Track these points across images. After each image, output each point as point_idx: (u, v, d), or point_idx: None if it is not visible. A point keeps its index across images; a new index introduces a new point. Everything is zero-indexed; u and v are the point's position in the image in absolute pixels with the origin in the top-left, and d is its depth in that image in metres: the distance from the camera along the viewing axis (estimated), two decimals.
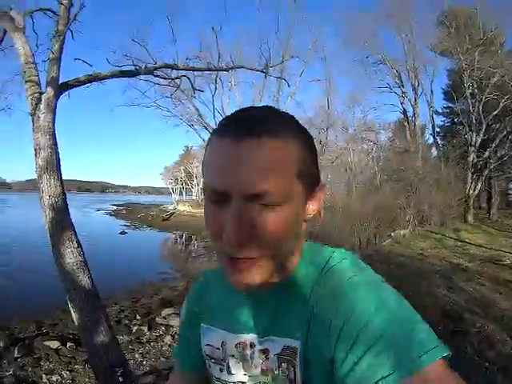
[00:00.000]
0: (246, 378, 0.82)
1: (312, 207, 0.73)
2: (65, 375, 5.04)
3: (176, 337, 6.59)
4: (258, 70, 8.96)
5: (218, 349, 0.86)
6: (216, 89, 11.73)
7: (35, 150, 3.67)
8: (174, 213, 43.61)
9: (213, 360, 0.87)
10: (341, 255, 0.77)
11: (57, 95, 3.82)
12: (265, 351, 0.77)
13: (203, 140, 12.57)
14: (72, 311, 3.56)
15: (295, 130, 0.69)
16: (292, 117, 0.73)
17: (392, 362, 0.55)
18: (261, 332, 0.78)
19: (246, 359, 0.81)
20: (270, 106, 0.74)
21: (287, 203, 0.64)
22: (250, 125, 0.65)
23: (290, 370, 0.73)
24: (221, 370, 0.86)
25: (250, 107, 0.74)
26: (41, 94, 3.74)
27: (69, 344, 5.99)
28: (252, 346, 0.80)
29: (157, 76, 5.54)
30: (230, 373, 0.84)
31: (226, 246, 0.65)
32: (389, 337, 0.58)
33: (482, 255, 13.09)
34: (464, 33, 22.39)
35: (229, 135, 0.65)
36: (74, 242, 3.59)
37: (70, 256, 3.53)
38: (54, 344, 5.99)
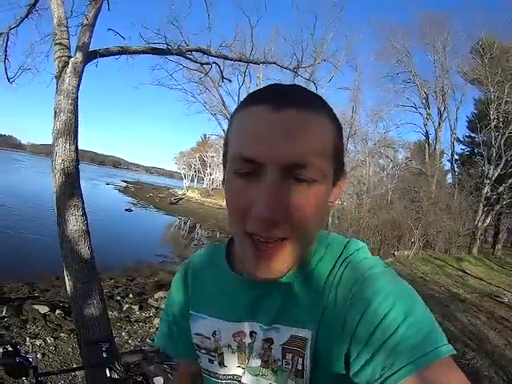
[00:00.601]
0: (240, 371, 0.77)
1: (335, 194, 0.70)
2: (48, 341, 5.05)
3: None
4: (289, 69, 8.93)
5: (209, 338, 0.81)
6: (244, 81, 11.72)
7: (55, 112, 3.63)
8: (182, 198, 43.89)
9: (202, 350, 0.83)
10: (355, 245, 0.74)
11: (85, 61, 3.79)
12: (268, 341, 0.72)
13: (223, 130, 12.57)
14: (66, 279, 3.53)
15: (331, 111, 0.67)
16: (323, 98, 0.69)
17: (406, 355, 0.55)
18: (266, 320, 0.73)
19: (242, 350, 0.77)
20: (301, 86, 0.71)
21: (323, 182, 0.62)
22: (290, 95, 0.62)
23: (295, 362, 0.69)
24: (210, 361, 0.81)
25: (286, 84, 0.70)
26: (69, 57, 3.72)
27: (58, 311, 6.03)
28: (252, 335, 0.75)
29: (188, 59, 5.51)
30: (222, 365, 0.80)
31: (254, 225, 0.60)
32: (404, 331, 0.57)
33: (482, 289, 13.12)
34: (497, 64, 22.21)
35: (267, 102, 0.61)
36: (80, 210, 3.56)
37: (74, 223, 3.50)
38: (43, 309, 6.02)
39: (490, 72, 22.42)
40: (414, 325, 0.57)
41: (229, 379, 0.79)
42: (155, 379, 2.71)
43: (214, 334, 0.80)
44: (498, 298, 11.62)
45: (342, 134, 0.69)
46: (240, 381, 0.77)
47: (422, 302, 0.62)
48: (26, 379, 2.48)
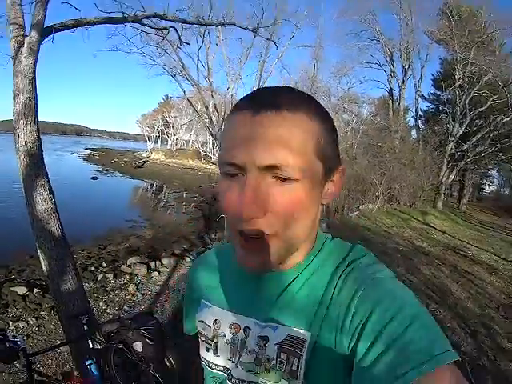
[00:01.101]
0: (230, 364, 0.80)
1: (330, 191, 0.72)
2: (31, 322, 5.07)
3: (139, 286, 6.67)
4: (248, 29, 8.82)
5: (209, 326, 0.84)
6: (203, 42, 11.52)
7: (14, 94, 3.55)
8: (147, 161, 43.45)
9: (202, 338, 0.86)
10: (361, 251, 0.76)
11: (40, 39, 3.68)
12: (264, 338, 0.73)
13: (183, 91, 12.45)
14: (41, 258, 3.55)
15: (314, 108, 0.67)
16: (311, 96, 0.71)
17: (413, 358, 0.55)
18: (262, 316, 0.75)
19: (235, 343, 0.78)
20: (289, 86, 0.74)
21: (303, 180, 0.63)
22: (268, 98, 0.65)
23: (291, 362, 0.69)
24: (207, 350, 0.85)
25: (272, 86, 0.73)
26: (24, 37, 3.61)
27: (36, 290, 6.01)
28: (246, 330, 0.77)
29: (145, 25, 5.40)
30: (215, 354, 0.83)
31: (238, 220, 0.64)
32: (411, 334, 0.57)
33: (446, 242, 13.35)
34: (465, 27, 22.28)
35: (247, 108, 0.64)
36: (47, 189, 3.55)
37: (42, 203, 3.50)
38: (22, 290, 6.00)
39: (457, 34, 22.45)
40: (421, 329, 0.58)
41: (219, 370, 0.82)
42: (134, 344, 2.84)
43: (214, 322, 0.83)
44: (461, 252, 11.84)
45: (332, 130, 0.70)
46: (231, 374, 0.79)
47: (425, 309, 0.63)
48: (18, 362, 2.54)
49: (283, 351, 0.70)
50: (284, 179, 0.62)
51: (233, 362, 0.78)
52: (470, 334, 5.65)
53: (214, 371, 0.83)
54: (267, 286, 0.76)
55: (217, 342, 0.82)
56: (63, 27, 4.05)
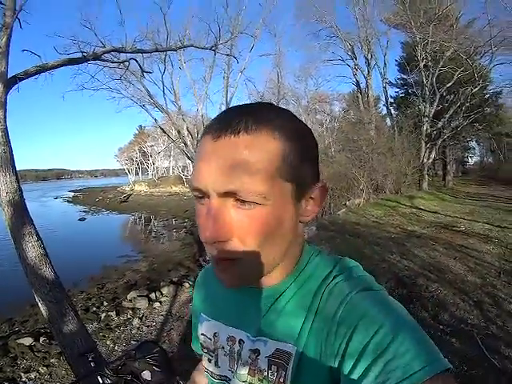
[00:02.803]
0: (230, 374, 0.82)
1: (309, 208, 0.71)
2: (42, 371, 5.05)
3: (143, 319, 6.64)
4: (207, 48, 8.91)
5: (210, 339, 0.86)
6: (165, 68, 11.58)
7: None
8: (131, 194, 43.33)
9: (204, 350, 0.88)
10: (347, 264, 0.76)
11: (6, 90, 3.71)
12: (255, 351, 0.75)
13: (154, 119, 12.47)
14: (39, 304, 3.56)
15: (281, 128, 0.66)
16: (284, 112, 0.71)
17: (401, 370, 0.55)
18: (252, 331, 0.76)
19: (232, 355, 0.81)
20: (264, 102, 0.73)
21: (268, 202, 0.63)
22: (229, 121, 0.64)
23: (279, 374, 0.71)
24: (209, 361, 0.87)
25: (243, 104, 0.73)
26: None
27: (42, 339, 5.99)
28: (241, 342, 0.79)
29: (105, 61, 5.44)
30: (216, 365, 0.85)
31: (206, 243, 0.66)
32: (394, 348, 0.57)
33: (437, 221, 13.34)
34: (419, 7, 22.61)
35: (210, 132, 0.65)
36: (34, 236, 3.57)
37: (31, 250, 3.51)
38: (28, 341, 5.97)
39: (413, 15, 22.79)
40: (405, 342, 0.57)
41: (222, 379, 0.84)
42: (142, 374, 2.83)
43: (214, 335, 0.85)
44: (454, 228, 11.83)
45: (306, 148, 0.69)
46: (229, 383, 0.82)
47: (413, 319, 0.63)
48: None
49: (273, 364, 0.72)
50: (244, 202, 0.62)
51: (232, 372, 0.81)
52: (474, 306, 5.64)
53: (216, 381, 0.86)
54: (256, 302, 0.77)
55: (217, 354, 0.85)
56: (26, 75, 4.08)
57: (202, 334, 0.90)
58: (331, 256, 0.80)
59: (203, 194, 0.65)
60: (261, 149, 0.62)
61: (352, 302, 0.65)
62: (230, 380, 0.82)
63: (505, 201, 18.16)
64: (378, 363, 0.57)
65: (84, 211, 32.77)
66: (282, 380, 0.70)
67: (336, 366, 0.63)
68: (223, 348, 0.83)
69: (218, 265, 0.69)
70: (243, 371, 0.77)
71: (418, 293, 6.25)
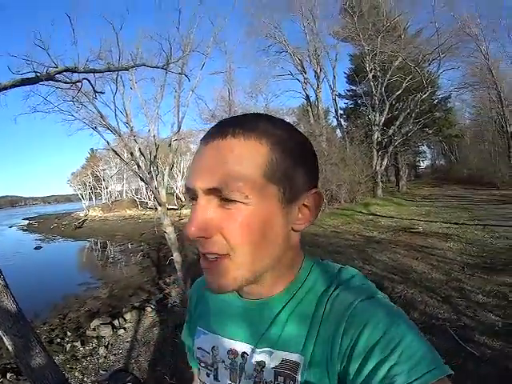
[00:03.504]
0: None
1: (302, 216, 0.72)
2: None
3: (109, 347, 6.46)
4: (158, 67, 8.87)
5: (208, 353, 0.84)
6: (117, 88, 11.41)
7: None
8: (86, 219, 42.65)
9: (202, 364, 0.86)
10: (349, 272, 0.76)
11: None
12: (260, 363, 0.74)
13: (107, 141, 12.26)
14: (4, 339, 3.38)
15: (272, 133, 0.68)
16: (276, 121, 0.73)
17: (405, 375, 0.56)
18: (256, 342, 0.76)
19: (234, 368, 0.78)
20: (258, 113, 0.75)
21: (250, 202, 0.64)
22: (219, 128, 0.69)
23: None
24: (207, 375, 0.84)
25: (235, 115, 0.76)
26: None
27: (9, 375, 5.73)
28: (244, 355, 0.77)
29: (57, 81, 5.35)
30: (216, 379, 0.82)
31: (191, 240, 0.66)
32: (397, 355, 0.58)
33: (395, 226, 13.66)
34: (367, 20, 23.34)
35: (204, 139, 0.69)
36: None
37: None
38: None
39: (362, 28, 23.51)
40: (408, 349, 0.58)
41: None
42: None
43: (213, 349, 0.83)
44: (412, 230, 12.12)
45: (296, 153, 0.70)
46: None
47: (415, 326, 0.64)
48: None
49: (280, 375, 0.70)
50: (229, 200, 0.64)
51: None
52: (443, 301, 5.78)
53: None
54: (258, 314, 0.77)
55: (216, 368, 0.82)
56: None
57: (198, 348, 0.87)
58: (332, 265, 0.80)
59: (194, 195, 0.68)
60: (246, 151, 0.65)
61: (356, 311, 0.66)
62: None
63: (459, 199, 18.99)
64: (383, 367, 0.58)
65: (39, 239, 31.81)
66: None
67: (342, 373, 0.63)
68: (223, 362, 0.80)
69: (205, 262, 0.69)
70: None
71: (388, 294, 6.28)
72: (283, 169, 0.67)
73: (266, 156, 0.65)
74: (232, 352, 0.79)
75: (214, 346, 0.83)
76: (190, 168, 0.70)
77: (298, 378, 0.68)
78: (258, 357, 0.74)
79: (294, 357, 0.69)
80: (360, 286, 0.72)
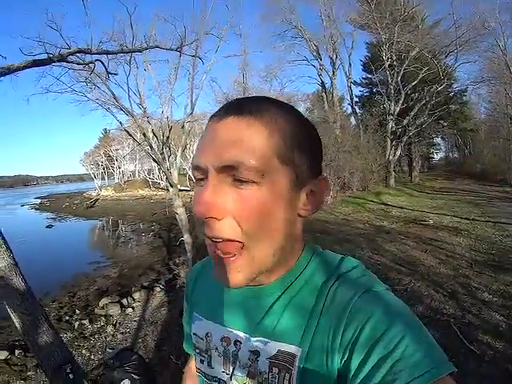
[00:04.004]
0: (224, 376, 0.78)
1: (309, 201, 0.70)
2: None
3: (117, 326, 6.54)
4: (172, 49, 8.83)
5: (202, 339, 0.83)
6: (130, 70, 11.39)
7: None
8: (98, 199, 42.83)
9: (197, 350, 0.86)
10: (350, 263, 0.75)
11: None
12: (255, 353, 0.72)
13: (120, 122, 12.26)
14: (12, 316, 3.42)
15: (283, 115, 0.67)
16: (287, 105, 0.72)
17: (408, 370, 0.55)
18: (251, 331, 0.74)
19: (227, 356, 0.77)
20: (270, 97, 0.73)
21: (265, 183, 0.63)
22: (233, 106, 0.67)
23: (282, 376, 0.68)
24: (201, 362, 0.84)
25: (247, 96, 0.76)
26: None
27: (17, 352, 5.81)
28: (237, 343, 0.76)
29: (70, 62, 5.35)
30: (210, 366, 0.82)
31: (200, 221, 0.65)
32: (401, 350, 0.57)
33: (405, 217, 13.57)
34: (385, 8, 23.02)
35: (214, 116, 0.68)
36: (3, 246, 3.44)
37: (0, 260, 3.40)
38: (3, 354, 5.76)
39: (379, 16, 23.21)
40: (412, 344, 0.57)
41: (215, 381, 0.81)
42: (122, 383, 2.75)
43: (206, 335, 0.82)
44: (422, 222, 12.03)
45: (306, 138, 0.70)
46: None
47: (419, 321, 0.63)
48: None
49: (275, 365, 0.69)
50: (242, 181, 0.62)
51: (227, 374, 0.77)
52: (449, 297, 5.77)
53: (210, 382, 0.82)
54: (255, 301, 0.75)
55: (210, 355, 0.81)
56: None
57: (193, 334, 0.87)
58: (333, 254, 0.78)
59: (203, 174, 0.65)
60: (261, 129, 0.63)
61: (358, 304, 0.64)
62: (224, 382, 0.78)
63: (471, 194, 18.77)
64: (386, 363, 0.56)
65: (51, 218, 31.88)
66: (286, 383, 0.68)
67: (342, 368, 0.62)
68: (217, 349, 0.80)
69: (219, 260, 0.67)
70: (242, 374, 0.74)
71: (391, 286, 6.26)
72: (295, 152, 0.66)
73: (280, 137, 0.65)
74: (225, 339, 0.78)
75: (207, 333, 0.82)
76: (200, 145, 0.67)
77: (295, 370, 0.67)
78: (253, 346, 0.73)
79: (291, 348, 0.68)
80: (361, 278, 0.70)
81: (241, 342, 0.75)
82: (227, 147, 0.62)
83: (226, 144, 0.62)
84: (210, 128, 0.67)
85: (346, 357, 0.62)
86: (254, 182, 0.62)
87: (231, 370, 0.77)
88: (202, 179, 0.66)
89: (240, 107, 0.65)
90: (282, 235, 0.67)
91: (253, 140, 0.62)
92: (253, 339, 0.73)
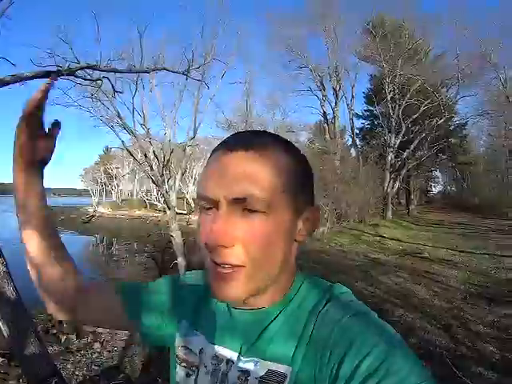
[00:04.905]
0: None
1: (304, 228, 0.74)
2: None
3: (104, 344, 6.45)
4: (179, 73, 8.95)
5: (196, 354, 0.83)
6: (137, 89, 11.49)
7: None
8: (94, 215, 42.75)
9: (183, 363, 0.84)
10: (338, 289, 0.77)
11: None
12: (245, 372, 0.73)
13: (122, 141, 12.32)
14: (0, 324, 3.41)
15: (285, 151, 0.72)
16: (286, 140, 0.76)
17: None
18: (244, 351, 0.75)
19: (215, 374, 0.77)
20: (266, 131, 0.79)
21: (271, 213, 0.66)
22: (241, 138, 0.71)
23: None
24: (188, 375, 0.83)
25: (246, 130, 0.81)
26: None
27: (0, 359, 5.72)
28: (229, 362, 0.76)
29: (78, 77, 5.42)
30: (196, 382, 0.81)
31: (211, 251, 0.67)
32: (384, 371, 0.57)
33: (401, 249, 13.61)
34: (390, 41, 23.43)
35: (222, 148, 0.70)
36: None
37: None
38: None
39: (383, 49, 23.60)
40: (394, 364, 0.58)
41: None
42: None
43: (200, 351, 0.82)
44: (418, 255, 12.11)
45: (304, 173, 0.74)
46: None
47: (403, 342, 0.63)
48: None
49: None
50: (251, 212, 0.65)
51: None
52: (443, 329, 5.75)
53: None
54: (249, 323, 0.76)
55: (198, 371, 0.81)
56: (1, 83, 4.00)
57: (183, 347, 0.85)
58: (322, 280, 0.81)
59: (211, 204, 0.68)
60: (269, 165, 0.67)
61: (344, 327, 0.66)
62: None
63: (467, 227, 18.91)
64: (370, 382, 0.57)
65: None
66: None
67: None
68: (206, 366, 0.79)
69: (218, 272, 0.68)
70: None
71: (383, 318, 6.22)
72: (297, 183, 0.70)
73: (285, 170, 0.69)
74: (217, 358, 0.78)
75: (201, 349, 0.82)
76: (209, 176, 0.69)
77: None
78: (244, 366, 0.73)
79: (282, 368, 0.69)
80: (349, 304, 0.72)
81: (233, 362, 0.75)
82: (239, 181, 0.65)
83: (237, 178, 0.65)
84: (218, 160, 0.69)
85: (332, 378, 0.62)
86: (262, 212, 0.65)
87: None
88: (209, 208, 0.69)
89: (247, 142, 0.69)
90: (280, 260, 0.70)
91: (261, 174, 0.66)
92: (244, 359, 0.74)
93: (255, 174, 0.65)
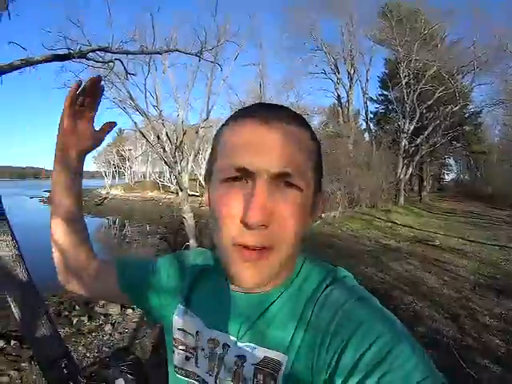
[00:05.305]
0: (207, 377, 0.77)
1: (313, 210, 0.71)
2: (13, 375, 4.85)
3: (116, 325, 6.53)
4: (192, 54, 8.91)
5: (192, 336, 0.81)
6: (149, 71, 11.44)
7: None
8: (106, 197, 42.96)
9: (181, 346, 0.83)
10: (340, 273, 0.74)
11: None
12: (241, 357, 0.71)
13: (134, 123, 12.27)
14: (12, 307, 3.44)
15: (311, 130, 0.71)
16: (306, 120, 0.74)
17: (399, 382, 0.54)
18: (241, 336, 0.73)
19: (213, 358, 0.76)
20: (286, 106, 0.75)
21: (305, 191, 0.65)
22: (278, 111, 0.67)
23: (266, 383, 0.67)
24: (187, 359, 0.82)
25: (266, 103, 0.77)
26: None
27: (13, 342, 5.79)
28: (225, 347, 0.75)
29: (90, 59, 5.40)
30: (196, 364, 0.80)
31: (241, 229, 0.62)
32: (389, 363, 0.55)
33: (412, 236, 13.53)
34: (405, 25, 23.09)
35: (257, 117, 0.65)
36: (9, 235, 3.47)
37: (5, 249, 3.41)
38: None
39: (399, 33, 23.29)
40: (400, 356, 0.56)
41: (197, 380, 0.80)
42: (116, 382, 2.76)
43: (197, 333, 0.80)
44: (429, 242, 12.04)
45: (320, 154, 0.73)
46: None
47: (407, 332, 0.61)
48: None
49: (260, 372, 0.68)
50: (289, 187, 0.63)
51: (210, 376, 0.76)
52: (450, 318, 5.75)
53: (191, 380, 0.81)
54: (248, 306, 0.74)
55: (196, 354, 0.80)
56: (11, 68, 4.00)
57: (180, 329, 0.84)
58: (323, 264, 0.78)
59: (245, 175, 0.63)
60: (307, 143, 0.67)
61: (347, 311, 0.64)
62: (207, 383, 0.77)
63: (479, 217, 18.69)
64: (374, 375, 0.55)
65: None
66: None
67: (328, 377, 0.61)
68: (203, 350, 0.79)
69: (246, 254, 0.63)
70: (228, 378, 0.73)
71: (392, 305, 6.27)
72: (320, 163, 0.72)
73: (315, 150, 0.69)
74: (213, 341, 0.77)
75: (197, 331, 0.81)
76: (241, 145, 0.64)
77: (280, 378, 0.66)
78: (240, 351, 0.72)
79: (277, 355, 0.67)
80: (351, 288, 0.70)
81: (229, 346, 0.74)
82: (282, 155, 0.62)
83: (282, 151, 0.62)
84: (252, 130, 0.64)
85: (331, 369, 0.61)
86: (298, 188, 0.63)
87: (215, 373, 0.76)
88: (235, 179, 0.64)
89: (284, 115, 0.66)
90: (298, 240, 0.67)
91: (304, 150, 0.65)
92: (240, 344, 0.72)
93: (297, 150, 0.64)
